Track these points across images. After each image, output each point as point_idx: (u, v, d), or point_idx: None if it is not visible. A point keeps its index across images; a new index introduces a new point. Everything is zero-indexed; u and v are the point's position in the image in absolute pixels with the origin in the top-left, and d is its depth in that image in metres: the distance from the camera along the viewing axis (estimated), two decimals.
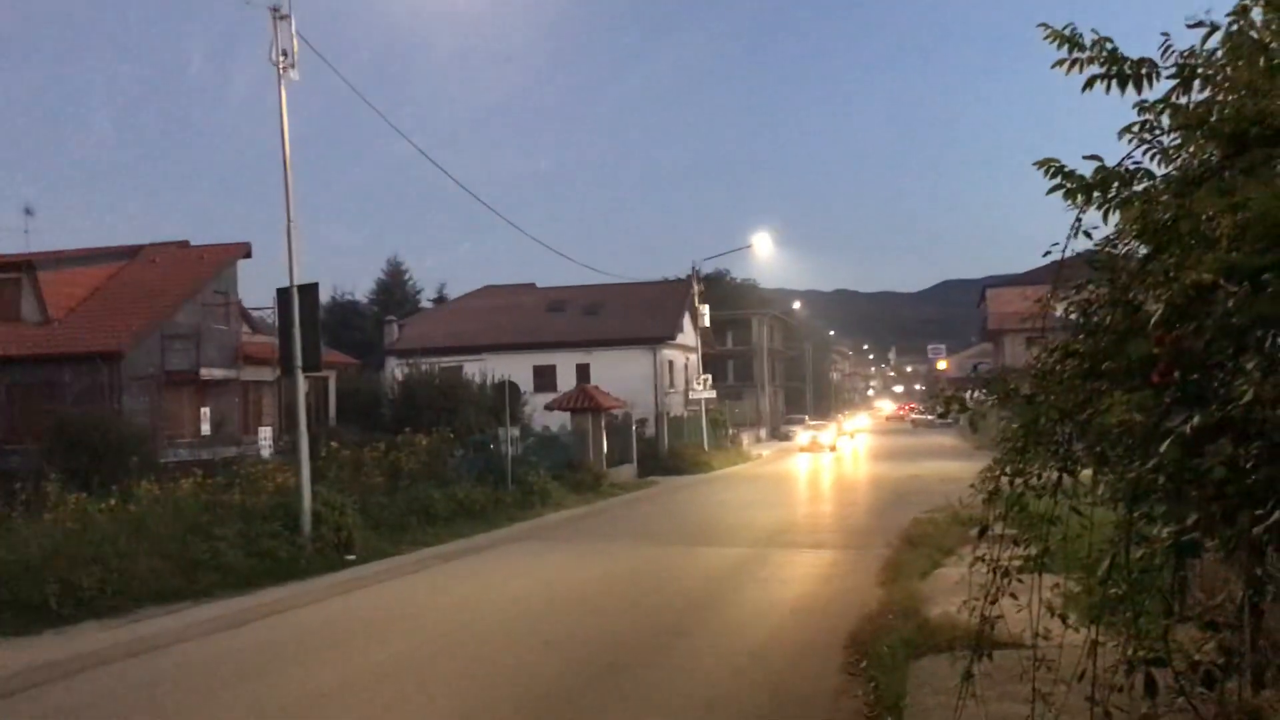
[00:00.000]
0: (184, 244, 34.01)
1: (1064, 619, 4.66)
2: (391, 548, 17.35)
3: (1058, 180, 5.60)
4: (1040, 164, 5.66)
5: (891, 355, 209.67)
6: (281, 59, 16.17)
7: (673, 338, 48.57)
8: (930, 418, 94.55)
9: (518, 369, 39.32)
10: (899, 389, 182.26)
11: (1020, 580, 4.69)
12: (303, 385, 17.06)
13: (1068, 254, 5.09)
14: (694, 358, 51.08)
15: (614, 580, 14.53)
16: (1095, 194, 5.48)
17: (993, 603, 4.73)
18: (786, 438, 68.37)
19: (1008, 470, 4.64)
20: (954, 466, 37.49)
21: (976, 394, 5.23)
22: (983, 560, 4.73)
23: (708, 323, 51.02)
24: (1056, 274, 5.03)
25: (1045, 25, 5.68)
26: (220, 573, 14.10)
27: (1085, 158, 5.65)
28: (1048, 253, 5.03)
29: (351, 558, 16.21)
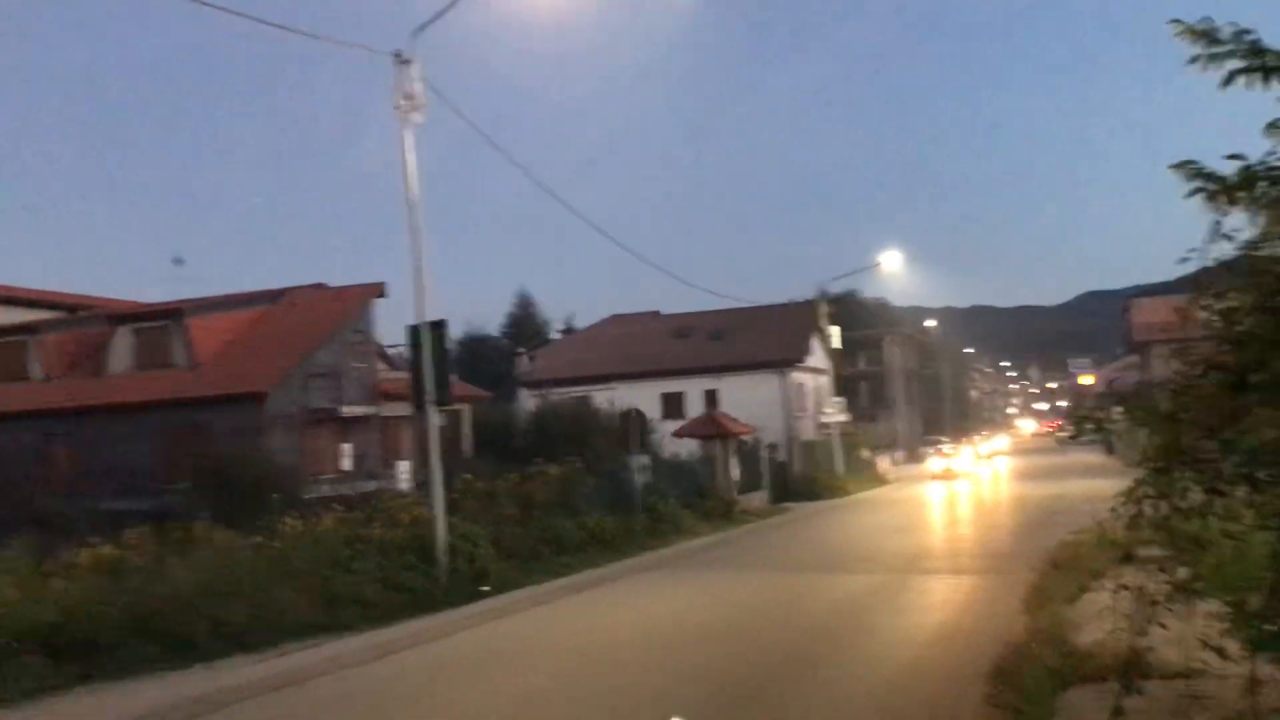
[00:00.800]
0: (322, 286, 35.23)
1: (1220, 652, 4.33)
2: (525, 578, 17.46)
3: (1197, 183, 5.27)
4: (1177, 166, 5.34)
5: (1032, 371, 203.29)
6: (405, 103, 16.60)
7: (801, 360, 48.01)
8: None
9: (645, 397, 39.42)
10: (1042, 406, 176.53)
11: (1169, 609, 4.40)
12: (436, 419, 17.37)
13: (1210, 260, 4.80)
14: (824, 380, 50.39)
15: (747, 609, 14.33)
16: (1239, 194, 5.14)
17: (1141, 633, 4.44)
18: (925, 460, 66.72)
19: (1149, 492, 4.35)
20: (1102, 485, 35.84)
21: (1114, 411, 4.94)
22: (1128, 588, 4.45)
23: (838, 344, 50.25)
24: (1196, 281, 4.73)
25: (1178, 21, 5.37)
26: (360, 606, 14.37)
27: (1227, 157, 5.30)
28: (1185, 259, 4.74)
29: (486, 589, 16.36)
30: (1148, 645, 4.41)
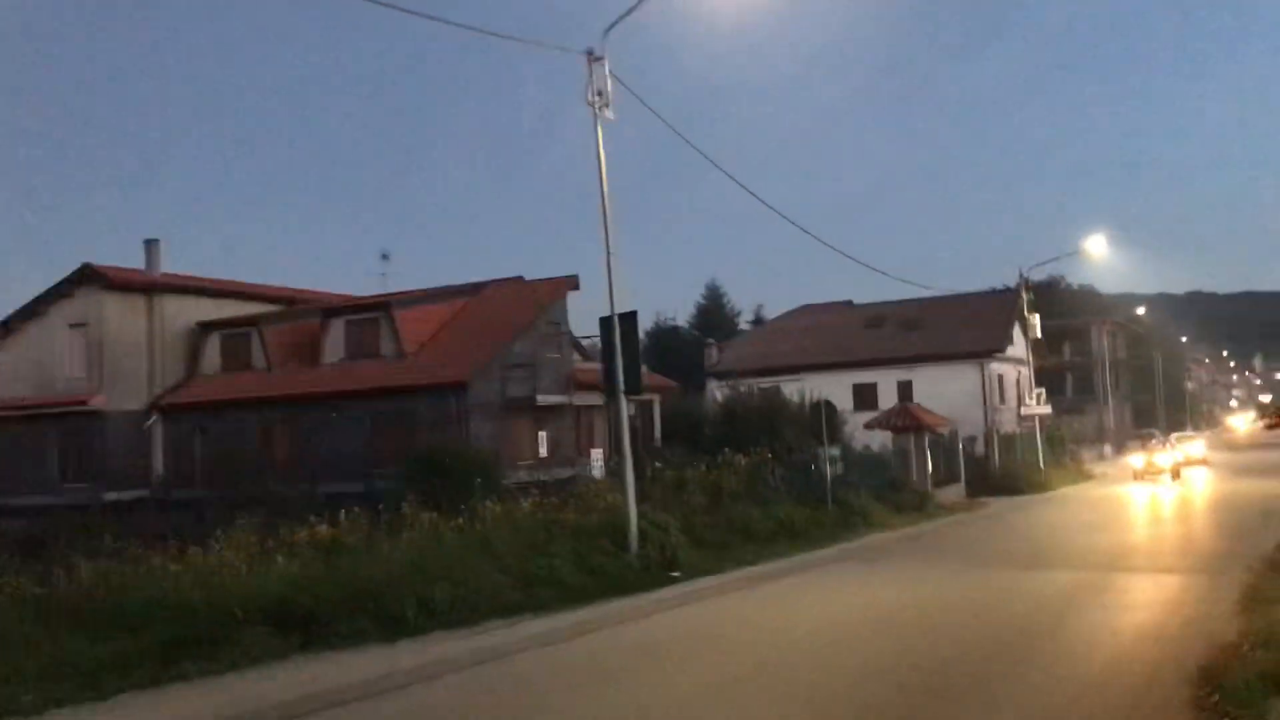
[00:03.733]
0: (519, 279, 36.44)
1: None
2: (714, 566, 17.62)
3: None
4: None
5: (1257, 361, 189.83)
6: (596, 99, 17.01)
7: (1001, 351, 46.47)
8: None
9: (836, 388, 39.02)
10: (1266, 398, 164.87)
11: None
12: (626, 408, 17.76)
13: None
14: (1025, 371, 48.60)
15: (940, 604, 14.08)
16: None
17: None
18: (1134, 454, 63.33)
19: None
20: None
21: None
22: None
23: (1039, 334, 48.30)
24: None
25: None
26: (555, 587, 14.84)
27: None
28: None
29: (676, 575, 16.62)
30: None
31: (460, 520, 17.03)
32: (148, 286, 34.74)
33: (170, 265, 36.34)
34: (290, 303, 38.59)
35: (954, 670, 9.70)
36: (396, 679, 10.28)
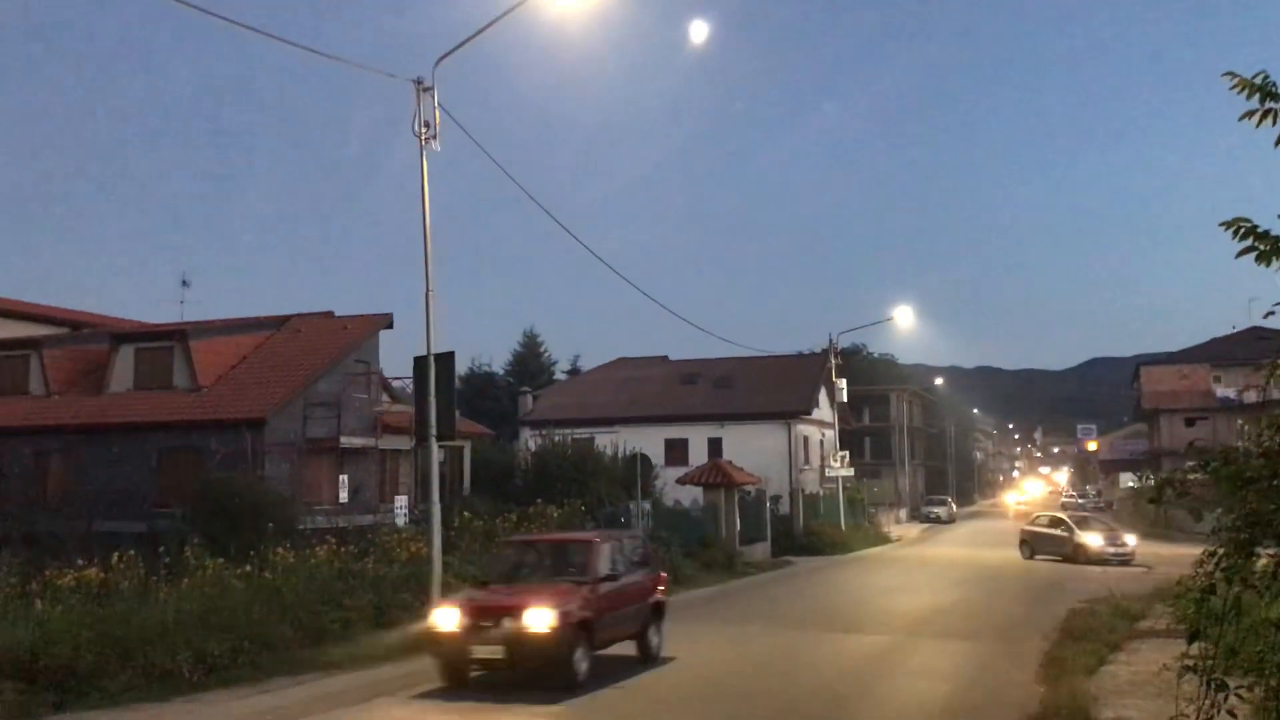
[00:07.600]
0: (328, 314, 34.89)
1: None
2: None
3: (1249, 242, 5.01)
4: (1228, 224, 5.09)
5: (1037, 435, 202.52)
6: (424, 130, 16.40)
7: (808, 412, 47.59)
8: (1081, 501, 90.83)
9: (649, 442, 38.96)
10: (1046, 469, 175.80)
11: (1240, 697, 4.00)
12: (437, 454, 16.99)
13: (1240, 328, 4.51)
14: (830, 433, 49.91)
15: (750, 666, 13.85)
16: None
17: None
18: (927, 519, 66.11)
19: (1222, 565, 3.97)
20: None
21: (1192, 475, 4.54)
22: (1193, 669, 4.04)
23: (845, 397, 49.77)
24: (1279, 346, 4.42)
25: (1232, 74, 5.13)
26: (350, 644, 13.93)
27: None
28: (1270, 313, 4.42)
29: None
30: None
31: (249, 566, 15.81)
32: None
33: None
34: (76, 326, 35.85)
35: None
36: None
